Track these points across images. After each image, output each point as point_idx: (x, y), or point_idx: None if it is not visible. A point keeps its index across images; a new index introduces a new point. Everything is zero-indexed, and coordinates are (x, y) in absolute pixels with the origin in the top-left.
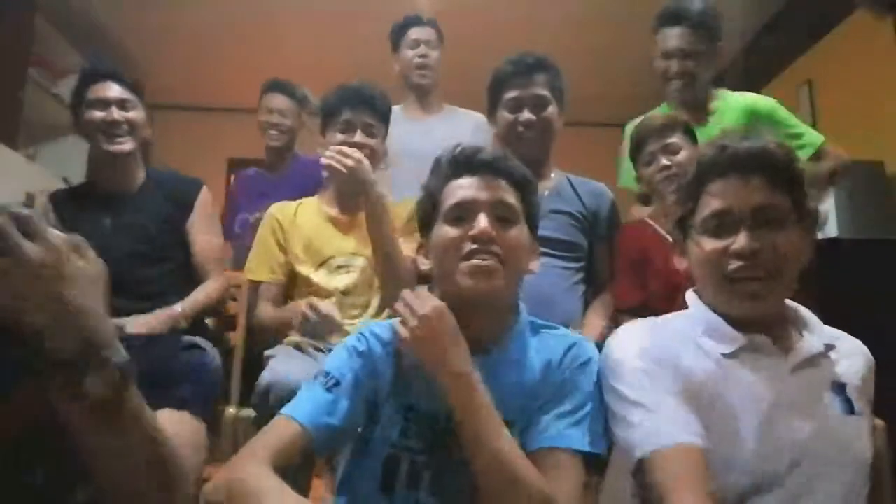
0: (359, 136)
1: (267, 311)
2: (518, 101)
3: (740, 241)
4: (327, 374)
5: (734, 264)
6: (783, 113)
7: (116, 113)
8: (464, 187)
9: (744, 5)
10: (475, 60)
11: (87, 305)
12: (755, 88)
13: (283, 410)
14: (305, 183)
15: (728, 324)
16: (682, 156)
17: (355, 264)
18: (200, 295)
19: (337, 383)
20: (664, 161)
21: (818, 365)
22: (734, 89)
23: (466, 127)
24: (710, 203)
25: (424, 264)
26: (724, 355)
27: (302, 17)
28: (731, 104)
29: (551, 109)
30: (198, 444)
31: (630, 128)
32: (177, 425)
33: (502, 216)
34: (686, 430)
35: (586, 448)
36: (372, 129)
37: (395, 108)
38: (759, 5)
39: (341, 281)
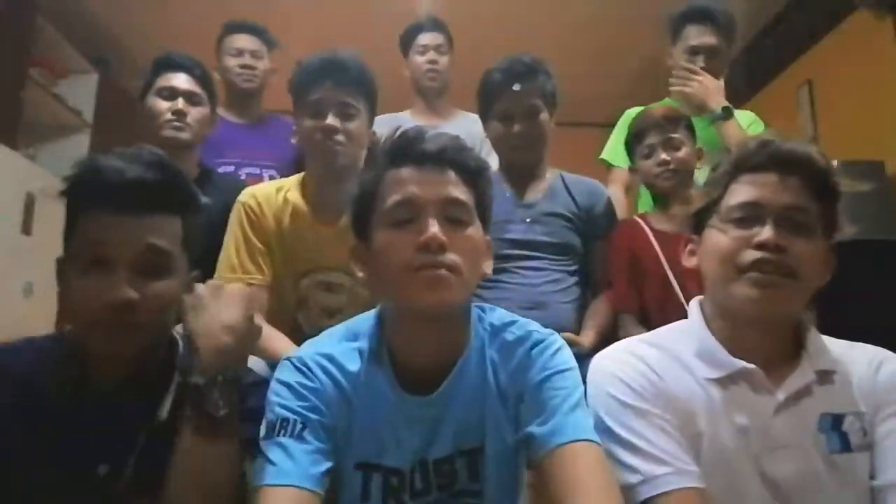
0: (331, 119)
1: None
2: (509, 112)
3: (766, 232)
4: (286, 420)
5: (753, 255)
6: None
7: (182, 104)
8: (406, 182)
9: (744, 5)
10: (475, 59)
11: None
12: (755, 88)
13: (268, 481)
14: (285, 148)
15: (724, 347)
16: (682, 152)
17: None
18: None
19: (304, 426)
20: (664, 156)
21: (810, 395)
22: (734, 89)
23: (477, 130)
24: (741, 192)
25: (360, 272)
26: (710, 379)
27: (307, 17)
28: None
29: (543, 116)
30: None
31: (630, 114)
32: None
33: (454, 217)
34: (682, 473)
35: (595, 438)
36: (349, 110)
37: (405, 113)
38: (759, 5)
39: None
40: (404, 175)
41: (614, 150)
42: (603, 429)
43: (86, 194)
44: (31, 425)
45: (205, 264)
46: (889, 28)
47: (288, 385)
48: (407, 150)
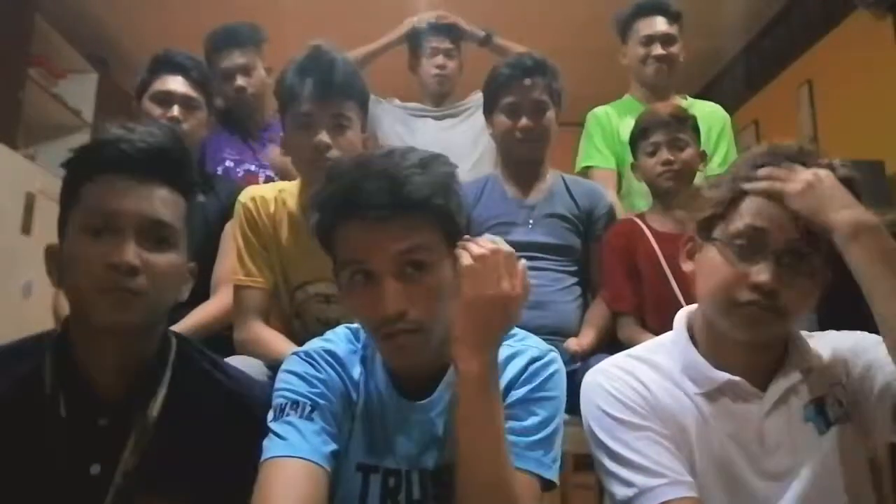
0: (323, 136)
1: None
2: (516, 107)
3: (764, 274)
4: (295, 402)
5: (748, 296)
6: (730, 131)
7: (177, 111)
8: (359, 241)
9: (744, 5)
10: (474, 58)
11: None
12: (755, 88)
13: (277, 453)
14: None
15: (708, 360)
16: (687, 153)
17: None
18: (198, 316)
19: (312, 409)
20: (668, 155)
21: (796, 393)
22: (734, 89)
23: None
24: (748, 215)
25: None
26: (699, 394)
27: (303, 20)
28: (697, 105)
29: (549, 114)
30: None
31: (593, 115)
32: None
33: (414, 261)
34: (676, 484)
35: (549, 475)
36: (341, 121)
37: (412, 105)
38: (759, 5)
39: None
40: (356, 231)
41: (593, 153)
42: (597, 443)
43: (98, 160)
44: (21, 426)
45: (203, 265)
46: (889, 28)
47: (297, 374)
48: (354, 203)
